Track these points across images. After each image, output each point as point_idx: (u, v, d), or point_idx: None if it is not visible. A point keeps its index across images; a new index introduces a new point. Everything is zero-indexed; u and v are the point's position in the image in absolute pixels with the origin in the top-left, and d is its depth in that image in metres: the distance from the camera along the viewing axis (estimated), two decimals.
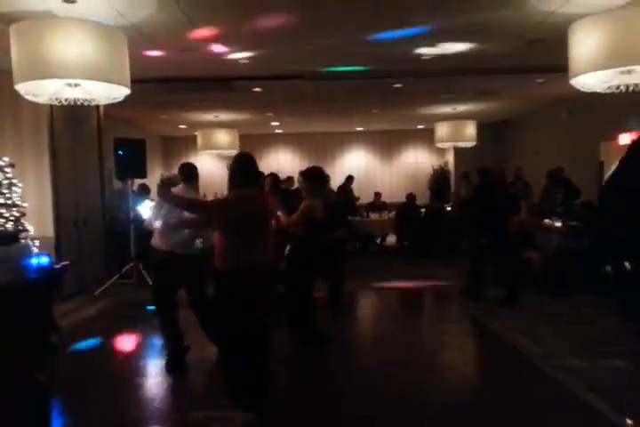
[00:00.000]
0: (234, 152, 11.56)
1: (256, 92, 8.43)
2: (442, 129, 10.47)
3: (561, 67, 4.84)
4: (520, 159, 11.29)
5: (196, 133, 11.49)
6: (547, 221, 7.18)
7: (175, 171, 14.10)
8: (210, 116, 10.92)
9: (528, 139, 11.69)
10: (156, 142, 13.66)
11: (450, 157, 13.60)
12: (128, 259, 7.26)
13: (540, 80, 8.03)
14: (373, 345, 4.81)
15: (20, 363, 2.80)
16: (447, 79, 7.63)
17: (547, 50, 6.03)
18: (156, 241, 4.16)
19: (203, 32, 5.33)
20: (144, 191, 8.00)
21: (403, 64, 6.82)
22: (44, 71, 3.96)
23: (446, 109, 10.56)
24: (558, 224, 6.94)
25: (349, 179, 10.34)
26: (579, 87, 4.55)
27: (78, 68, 3.94)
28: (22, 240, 4.99)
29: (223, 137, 11.15)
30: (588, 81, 4.39)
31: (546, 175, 8.16)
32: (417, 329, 5.46)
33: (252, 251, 3.28)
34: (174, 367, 4.09)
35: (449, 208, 10.31)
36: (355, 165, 14.46)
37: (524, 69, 7.20)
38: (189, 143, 13.59)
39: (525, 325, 5.10)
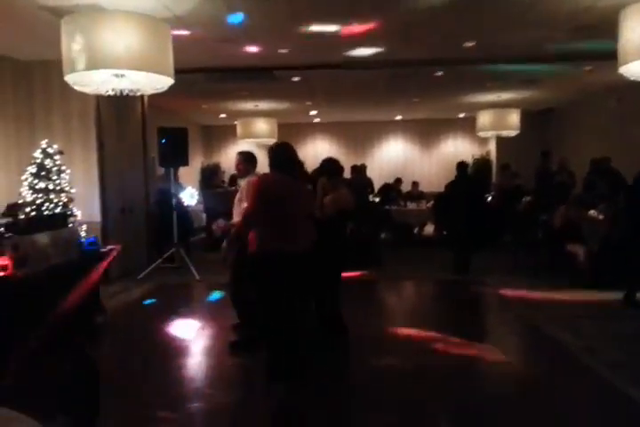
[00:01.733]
0: (272, 141, 11.67)
1: (295, 81, 8.47)
2: (484, 118, 10.26)
3: (610, 54, 4.68)
4: (564, 149, 10.97)
5: (235, 123, 11.65)
6: (592, 212, 6.98)
7: (215, 159, 14.43)
8: (250, 106, 11.04)
9: (573, 128, 11.32)
10: (196, 131, 13.90)
11: (491, 147, 13.33)
12: (171, 244, 7.46)
13: (589, 68, 7.76)
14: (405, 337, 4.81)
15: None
16: (492, 67, 7.47)
17: (596, 36, 5.83)
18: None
19: (245, 24, 5.40)
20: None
21: (447, 52, 6.72)
22: (91, 62, 4.11)
23: (490, 97, 10.34)
24: (603, 216, 6.75)
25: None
26: (628, 75, 4.40)
27: (124, 59, 4.07)
28: (71, 224, 5.21)
29: (262, 126, 11.26)
30: (638, 69, 4.23)
31: (589, 165, 7.93)
32: (454, 321, 5.42)
33: (286, 235, 3.35)
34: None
35: (490, 199, 10.14)
36: (393, 154, 14.37)
37: (572, 56, 6.98)
38: (229, 132, 13.76)
39: (568, 318, 5.02)
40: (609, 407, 3.20)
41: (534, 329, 4.86)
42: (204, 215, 10.13)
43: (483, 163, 13.01)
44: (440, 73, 7.96)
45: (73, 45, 4.17)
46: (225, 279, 6.56)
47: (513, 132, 10.36)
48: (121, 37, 4.06)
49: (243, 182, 4.28)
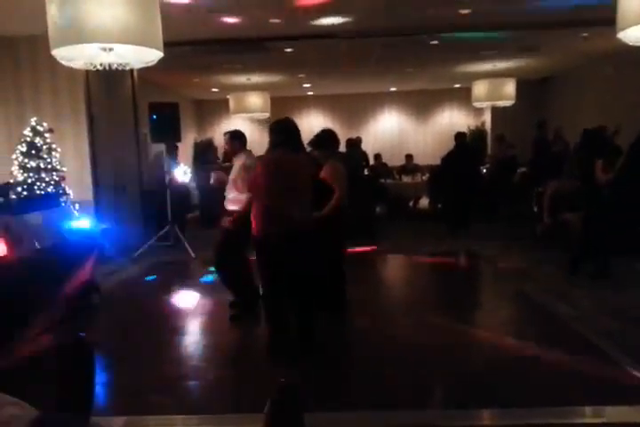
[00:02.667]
0: (266, 115, 11.51)
1: (288, 52, 8.29)
2: (480, 87, 10.12)
3: (608, 20, 4.57)
4: (561, 119, 10.87)
5: (228, 97, 11.45)
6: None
7: (209, 135, 14.28)
8: (242, 79, 10.83)
9: (570, 97, 11.20)
10: (189, 106, 13.68)
11: (487, 118, 13.21)
12: (165, 222, 7.42)
13: (585, 34, 7.62)
14: (403, 310, 4.83)
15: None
16: (487, 34, 7.32)
17: (593, 2, 5.69)
18: None
19: None
20: (173, 155, 8.05)
21: (441, 19, 6.57)
22: (78, 36, 3.98)
23: (486, 67, 10.18)
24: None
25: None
26: (626, 41, 4.30)
27: (112, 32, 3.93)
28: (63, 204, 5.15)
29: (255, 100, 11.05)
30: (637, 34, 4.14)
31: (581, 134, 7.87)
32: (448, 292, 5.46)
33: (290, 212, 3.34)
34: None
35: (484, 170, 10.12)
36: (388, 126, 14.23)
37: (569, 23, 6.83)
38: (222, 107, 13.54)
39: (560, 287, 5.06)
40: (601, 374, 3.25)
41: (526, 299, 4.90)
42: (196, 193, 10.07)
43: (478, 134, 12.91)
44: (435, 42, 7.80)
45: (58, 19, 4.02)
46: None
47: (508, 102, 10.24)
48: (107, 9, 3.90)
49: (236, 161, 4.25)
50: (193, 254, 7.00)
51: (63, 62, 4.33)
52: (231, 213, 4.20)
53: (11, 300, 3.64)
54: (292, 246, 3.36)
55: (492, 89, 9.96)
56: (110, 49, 4.13)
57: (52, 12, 4.06)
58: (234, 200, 4.25)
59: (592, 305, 4.50)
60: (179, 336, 4.26)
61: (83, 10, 3.91)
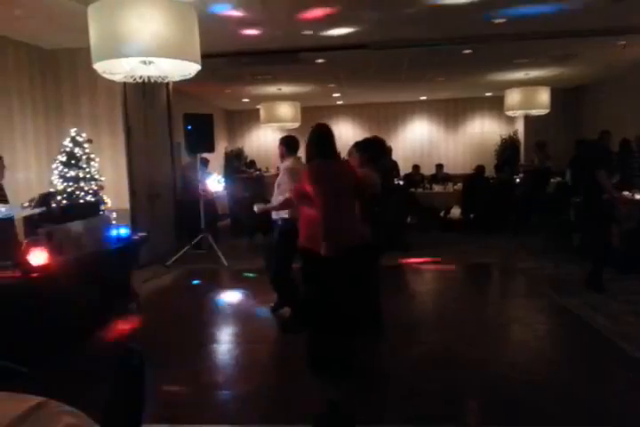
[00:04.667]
0: (296, 125, 11.59)
1: (319, 63, 8.35)
2: (512, 96, 9.97)
3: None
4: (596, 128, 10.63)
5: (258, 107, 11.57)
6: (626, 193, 6.78)
7: (239, 144, 14.48)
8: (273, 89, 10.95)
9: (606, 106, 10.96)
10: (219, 116, 13.89)
11: (519, 126, 13.02)
12: (198, 230, 7.51)
13: (623, 42, 7.46)
14: (436, 322, 4.77)
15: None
16: (521, 43, 7.23)
17: (632, 9, 5.58)
18: None
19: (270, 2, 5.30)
20: (203, 165, 8.18)
21: (475, 29, 6.52)
22: (119, 50, 4.08)
23: (518, 75, 10.05)
24: (638, 196, 6.55)
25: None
26: None
27: (152, 46, 4.02)
28: (102, 212, 5.26)
29: (286, 110, 11.15)
30: None
31: (619, 144, 7.67)
32: (484, 305, 5.36)
33: (342, 226, 3.26)
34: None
35: (518, 180, 9.96)
36: (418, 135, 14.16)
37: (607, 31, 6.71)
38: (252, 116, 13.73)
39: (601, 302, 4.92)
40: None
41: (565, 312, 4.78)
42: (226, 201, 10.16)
43: (510, 143, 12.73)
44: (468, 51, 7.74)
45: (100, 33, 4.14)
46: (251, 265, 6.66)
47: (543, 111, 10.06)
48: (148, 23, 4.00)
49: (281, 166, 4.28)
50: (225, 263, 7.06)
51: (105, 76, 4.45)
52: (280, 222, 4.21)
53: (53, 307, 3.73)
54: (344, 261, 3.27)
55: (526, 98, 9.81)
56: (150, 62, 4.23)
57: (94, 26, 4.19)
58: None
59: (636, 320, 4.37)
60: (215, 345, 4.29)
61: (124, 24, 4.02)
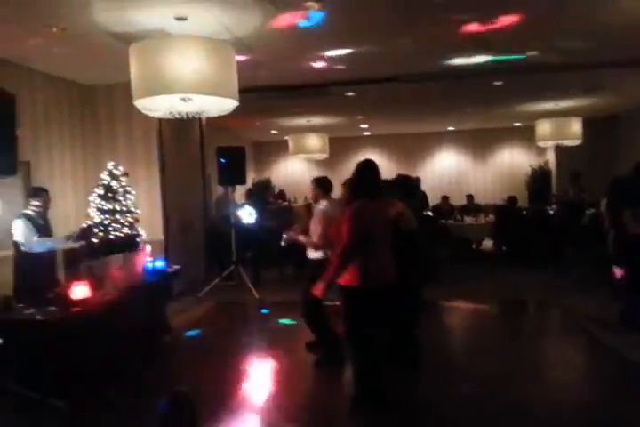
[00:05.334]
0: (324, 156, 11.68)
1: (349, 96, 8.45)
2: (544, 127, 9.90)
3: None
4: (631, 158, 10.43)
5: (286, 138, 11.73)
6: None
7: (266, 175, 14.58)
8: (302, 121, 11.11)
9: None
10: (248, 148, 14.09)
11: (550, 156, 12.87)
12: (229, 262, 7.50)
13: None
14: (472, 359, 4.61)
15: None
16: (553, 75, 7.22)
17: None
18: None
19: (303, 39, 5.42)
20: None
21: (507, 61, 6.55)
22: (160, 87, 4.19)
23: (548, 106, 9.99)
24: None
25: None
26: None
27: (192, 84, 4.12)
28: (140, 246, 5.31)
29: (314, 141, 11.27)
30: None
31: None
32: (522, 343, 5.16)
33: (381, 264, 3.28)
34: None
35: (551, 211, 9.78)
36: (446, 165, 14.11)
37: (635, 62, 6.65)
38: (279, 148, 13.92)
39: None
40: None
41: (607, 352, 4.55)
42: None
43: (540, 173, 12.56)
44: (499, 82, 7.76)
45: (140, 71, 4.27)
46: (281, 297, 6.60)
47: (575, 142, 9.95)
48: (188, 62, 4.11)
49: (316, 209, 4.32)
50: (257, 295, 7.01)
51: (144, 112, 4.55)
52: (314, 261, 4.22)
53: (93, 341, 3.72)
54: (385, 299, 3.27)
55: (557, 128, 9.73)
56: (189, 99, 4.32)
57: (136, 64, 4.31)
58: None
59: None
60: (250, 381, 4.20)
61: (165, 62, 4.13)
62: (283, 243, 4.49)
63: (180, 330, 5.46)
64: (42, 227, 4.67)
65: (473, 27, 5.16)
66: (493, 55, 6.26)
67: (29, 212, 4.68)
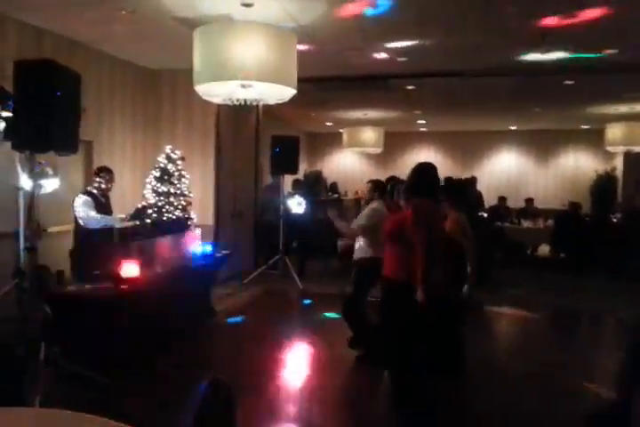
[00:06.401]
0: (378, 150, 11.52)
1: (409, 89, 8.25)
2: (614, 131, 9.36)
3: None
4: None
5: (341, 131, 11.62)
6: None
7: (318, 167, 14.55)
8: (358, 114, 10.96)
9: None
10: (302, 139, 14.04)
11: (618, 163, 12.18)
12: (276, 251, 7.51)
13: None
14: (522, 371, 4.39)
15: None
16: (632, 76, 6.77)
17: None
18: None
19: (367, 29, 5.29)
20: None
21: (581, 60, 6.18)
22: (222, 73, 4.18)
23: (621, 109, 9.43)
24: None
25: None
26: None
27: (253, 70, 4.09)
28: (191, 229, 5.37)
29: (369, 135, 11.13)
30: None
31: None
32: (575, 358, 4.89)
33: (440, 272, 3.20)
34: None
35: (615, 219, 9.26)
36: (505, 166, 13.62)
37: None
38: (333, 140, 13.84)
39: None
40: None
41: None
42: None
43: (607, 180, 11.92)
44: (570, 82, 7.35)
45: (203, 57, 4.27)
46: (325, 290, 6.55)
47: None
48: (251, 49, 4.08)
49: (369, 205, 4.37)
50: (300, 285, 7.00)
51: (205, 97, 4.57)
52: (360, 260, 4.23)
53: (140, 320, 3.78)
54: (434, 304, 3.16)
55: (629, 133, 9.17)
56: (249, 86, 4.30)
57: (199, 49, 4.32)
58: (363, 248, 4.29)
59: None
60: (287, 372, 4.18)
61: (228, 48, 4.11)
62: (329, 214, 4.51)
63: (223, 315, 5.51)
64: (103, 204, 4.84)
65: (552, 21, 4.87)
66: (571, 52, 5.92)
67: (93, 189, 4.86)
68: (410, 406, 3.23)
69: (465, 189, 4.25)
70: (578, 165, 13.03)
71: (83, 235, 4.66)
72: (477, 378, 4.01)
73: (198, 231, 6.13)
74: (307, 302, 6.50)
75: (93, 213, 4.69)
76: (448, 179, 4.52)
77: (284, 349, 4.74)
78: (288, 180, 8.58)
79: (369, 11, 4.73)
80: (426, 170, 3.39)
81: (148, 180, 6.31)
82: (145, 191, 6.29)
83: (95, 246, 4.22)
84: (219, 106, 6.76)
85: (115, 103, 6.62)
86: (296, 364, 4.47)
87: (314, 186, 12.26)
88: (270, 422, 3.26)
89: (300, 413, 3.42)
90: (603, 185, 11.63)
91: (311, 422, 3.29)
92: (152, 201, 6.15)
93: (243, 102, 4.60)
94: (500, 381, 4.02)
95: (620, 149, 9.70)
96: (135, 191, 6.75)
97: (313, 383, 3.96)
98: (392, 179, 5.01)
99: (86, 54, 6.01)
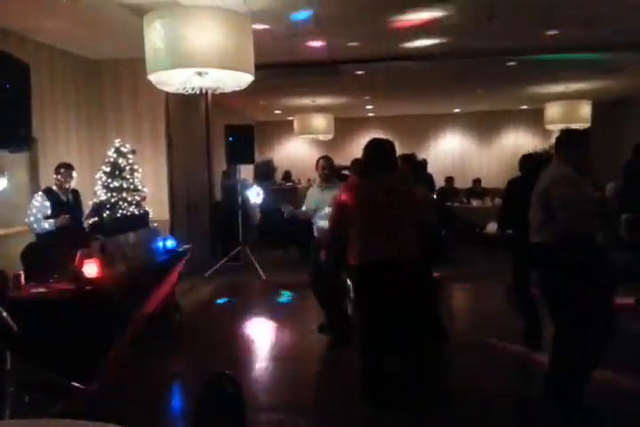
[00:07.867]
0: (329, 137, 11.54)
1: (358, 74, 8.28)
2: (553, 110, 9.78)
3: None
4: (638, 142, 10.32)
5: (289, 118, 11.55)
6: None
7: (268, 155, 14.38)
8: (307, 101, 10.92)
9: None
10: None
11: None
12: (235, 242, 7.43)
13: None
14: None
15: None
16: (571, 56, 7.07)
17: None
18: None
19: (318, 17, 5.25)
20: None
21: (524, 41, 6.39)
22: (176, 61, 4.05)
23: (558, 88, 9.85)
24: None
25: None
26: None
27: (209, 57, 3.99)
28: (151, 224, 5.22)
29: (319, 121, 11.13)
30: None
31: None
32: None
33: (379, 243, 3.19)
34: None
35: None
36: (450, 148, 13.98)
37: None
38: (282, 128, 13.74)
39: None
40: None
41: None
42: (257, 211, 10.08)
43: (546, 157, 12.44)
44: (513, 63, 7.60)
45: (156, 44, 4.12)
46: (289, 280, 6.55)
47: (584, 125, 9.83)
48: (204, 34, 3.97)
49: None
50: (263, 276, 6.96)
51: (159, 87, 4.42)
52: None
53: (103, 319, 3.65)
54: (391, 277, 3.17)
55: (567, 111, 9.62)
56: (205, 73, 4.19)
57: (150, 36, 4.16)
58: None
59: None
60: (262, 362, 4.17)
61: (181, 35, 3.99)
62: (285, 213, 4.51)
63: (189, 309, 5.41)
64: (63, 203, 4.62)
65: None
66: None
67: (53, 186, 4.66)
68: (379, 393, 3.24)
69: (425, 168, 4.28)
70: (518, 143, 13.52)
71: (39, 235, 4.43)
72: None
73: (155, 225, 5.97)
74: (272, 291, 6.44)
75: (40, 217, 4.46)
76: (410, 156, 4.53)
77: (252, 339, 4.73)
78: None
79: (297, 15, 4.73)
80: (381, 146, 3.34)
81: (97, 176, 6.07)
82: (96, 188, 6.05)
83: (52, 247, 4.02)
84: (167, 96, 6.56)
85: (56, 97, 6.26)
86: (266, 354, 4.45)
87: (268, 175, 12.17)
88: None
89: (278, 401, 3.43)
90: (542, 162, 12.11)
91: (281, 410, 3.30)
92: (104, 198, 5.94)
93: (198, 91, 4.49)
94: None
95: (559, 126, 10.11)
96: (86, 189, 6.45)
97: (282, 372, 3.96)
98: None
99: (23, 45, 5.64)
